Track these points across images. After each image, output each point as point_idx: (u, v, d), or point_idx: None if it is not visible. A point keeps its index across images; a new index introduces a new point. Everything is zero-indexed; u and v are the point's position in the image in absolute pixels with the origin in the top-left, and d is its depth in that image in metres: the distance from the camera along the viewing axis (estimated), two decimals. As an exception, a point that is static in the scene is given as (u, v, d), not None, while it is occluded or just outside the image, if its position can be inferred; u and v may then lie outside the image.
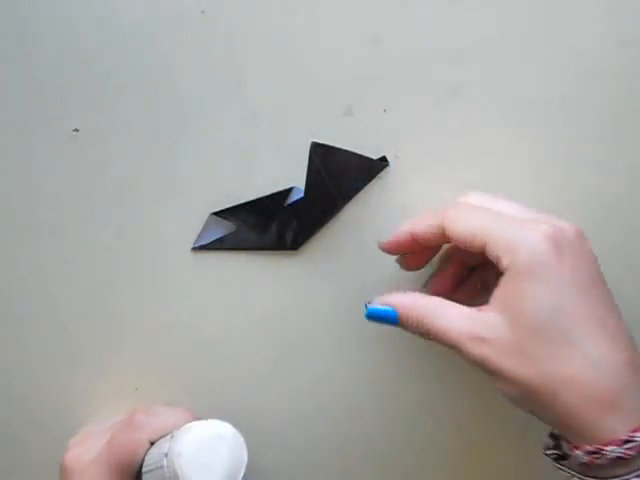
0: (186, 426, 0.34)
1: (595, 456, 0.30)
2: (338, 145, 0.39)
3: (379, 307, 0.35)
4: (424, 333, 0.33)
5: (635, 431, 0.29)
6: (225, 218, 0.41)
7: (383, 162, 0.40)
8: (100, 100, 0.41)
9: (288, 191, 0.40)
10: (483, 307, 0.33)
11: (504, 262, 0.32)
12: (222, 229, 0.41)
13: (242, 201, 0.40)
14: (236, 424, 0.35)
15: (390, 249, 0.37)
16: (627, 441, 0.29)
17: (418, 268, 0.38)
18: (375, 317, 0.35)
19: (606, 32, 0.38)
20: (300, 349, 0.41)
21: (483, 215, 0.34)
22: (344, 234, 0.40)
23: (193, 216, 0.41)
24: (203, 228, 0.41)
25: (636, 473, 0.29)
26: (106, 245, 0.42)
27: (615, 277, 0.39)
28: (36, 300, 0.44)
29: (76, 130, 0.42)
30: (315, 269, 0.40)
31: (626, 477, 0.29)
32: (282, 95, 0.40)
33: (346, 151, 0.39)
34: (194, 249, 0.41)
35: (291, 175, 0.40)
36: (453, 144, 0.40)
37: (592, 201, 0.39)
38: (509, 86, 0.39)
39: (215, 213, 0.41)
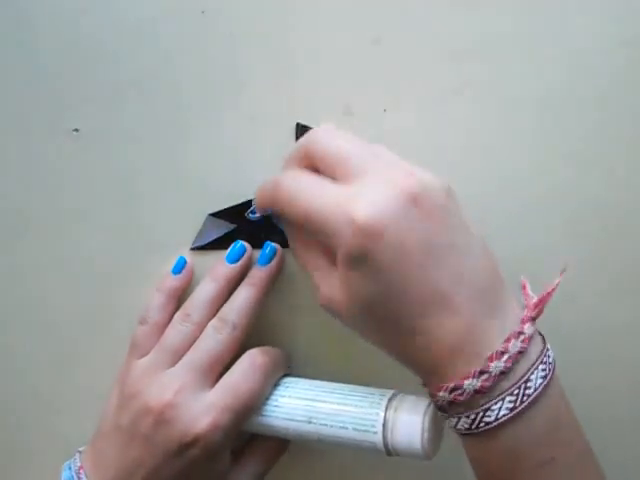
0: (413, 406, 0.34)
1: (457, 392, 0.30)
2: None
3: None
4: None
5: (490, 360, 0.30)
6: (223, 218, 0.41)
7: None
8: (100, 100, 0.41)
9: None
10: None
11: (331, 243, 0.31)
12: (220, 229, 0.41)
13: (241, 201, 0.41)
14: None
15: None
16: (482, 372, 0.30)
17: None
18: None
19: (606, 32, 0.38)
20: (300, 348, 0.41)
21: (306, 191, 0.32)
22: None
23: (192, 216, 0.41)
24: (201, 228, 0.41)
25: (495, 401, 0.30)
26: (105, 245, 0.42)
27: (614, 276, 0.40)
28: (36, 300, 0.44)
29: (76, 130, 0.42)
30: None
31: (486, 406, 0.30)
32: (282, 95, 0.40)
33: None
34: (192, 249, 0.41)
35: (291, 175, 0.40)
36: (453, 144, 0.40)
37: (592, 201, 0.39)
38: (509, 86, 0.39)
39: (213, 214, 0.41)
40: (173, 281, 0.40)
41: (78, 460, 0.38)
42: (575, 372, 0.40)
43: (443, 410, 0.32)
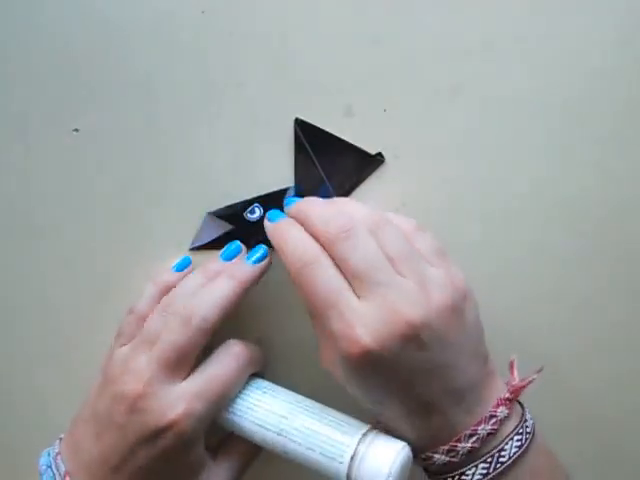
0: (391, 450, 0.33)
1: (429, 462, 0.34)
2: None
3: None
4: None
5: (478, 424, 0.33)
6: (222, 217, 0.41)
7: (378, 157, 0.40)
8: (100, 100, 0.41)
9: (285, 190, 0.40)
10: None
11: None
12: (219, 228, 0.41)
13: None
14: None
15: None
16: (450, 450, 0.33)
17: None
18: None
19: (606, 32, 0.38)
20: (300, 348, 0.41)
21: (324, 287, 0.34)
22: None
23: (192, 216, 0.41)
24: (200, 228, 0.41)
25: (469, 467, 0.34)
26: (105, 245, 0.42)
27: (615, 277, 0.40)
28: (36, 300, 0.44)
29: (76, 130, 0.42)
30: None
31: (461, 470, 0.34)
32: (282, 95, 0.40)
33: (332, 135, 0.40)
34: (191, 249, 0.41)
35: (290, 175, 0.40)
36: (453, 144, 0.40)
37: (592, 202, 0.39)
38: (509, 86, 0.39)
39: (211, 213, 0.41)
40: (171, 277, 0.40)
41: (57, 446, 0.38)
42: (572, 369, 0.40)
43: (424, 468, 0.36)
